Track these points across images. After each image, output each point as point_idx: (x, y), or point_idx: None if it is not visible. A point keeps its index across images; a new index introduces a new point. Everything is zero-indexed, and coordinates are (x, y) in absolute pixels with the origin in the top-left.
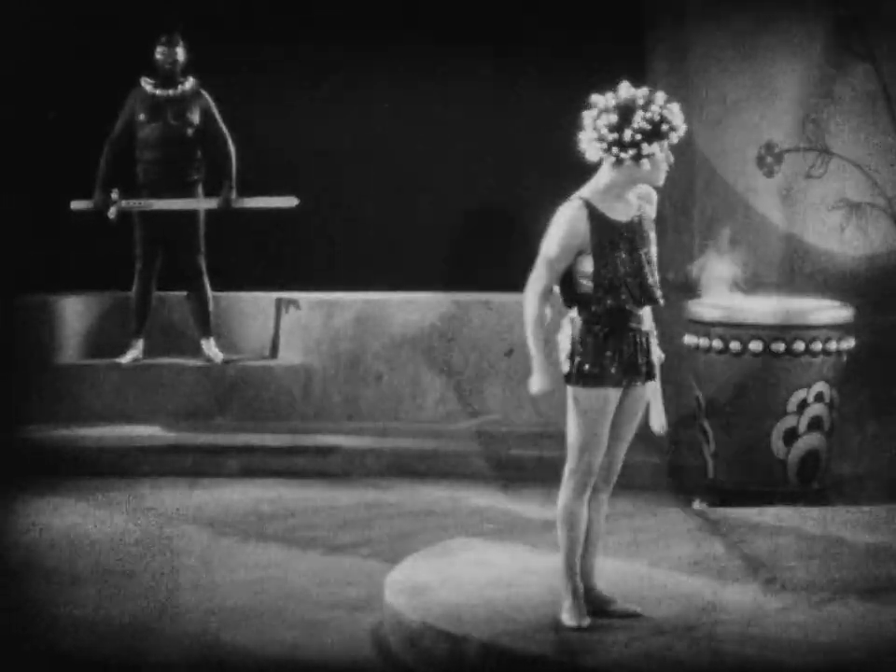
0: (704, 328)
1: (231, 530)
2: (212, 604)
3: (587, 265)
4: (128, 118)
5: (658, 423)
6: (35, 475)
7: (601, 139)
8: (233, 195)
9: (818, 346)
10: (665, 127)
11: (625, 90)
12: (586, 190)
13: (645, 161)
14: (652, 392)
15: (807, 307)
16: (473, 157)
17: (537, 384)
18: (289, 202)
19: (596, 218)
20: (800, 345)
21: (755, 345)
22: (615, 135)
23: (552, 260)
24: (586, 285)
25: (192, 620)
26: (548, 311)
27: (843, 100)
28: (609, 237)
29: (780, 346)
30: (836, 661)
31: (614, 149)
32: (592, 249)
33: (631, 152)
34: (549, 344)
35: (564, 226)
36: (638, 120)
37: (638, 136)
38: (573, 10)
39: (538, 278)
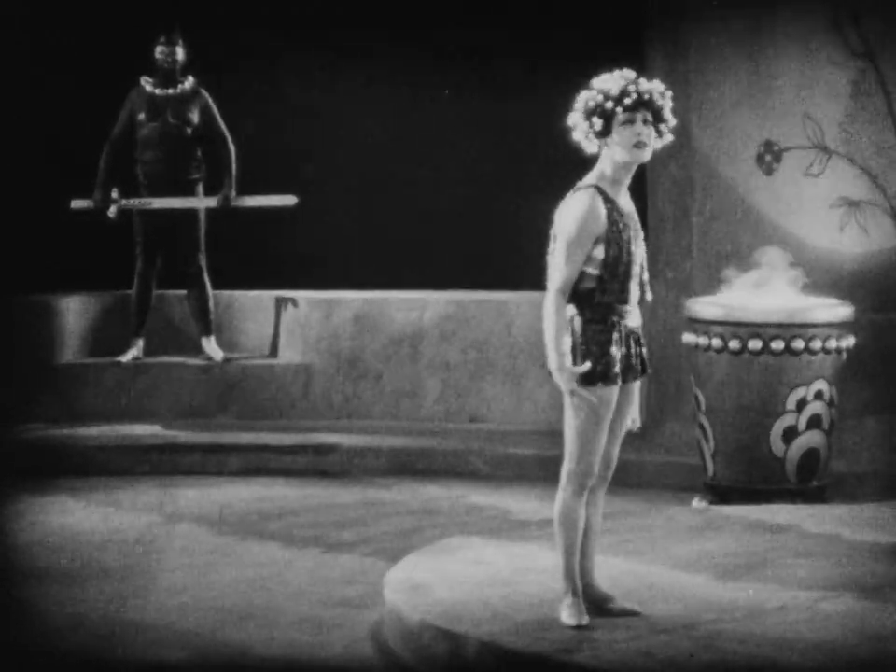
0: (703, 326)
1: (231, 529)
2: (212, 603)
3: (599, 251)
4: (128, 117)
5: (634, 420)
6: (35, 475)
7: (575, 124)
8: (233, 194)
9: (817, 344)
10: (599, 98)
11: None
12: (591, 179)
13: (612, 138)
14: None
15: (807, 305)
16: (473, 156)
17: (567, 380)
18: (289, 200)
19: (610, 202)
20: (799, 343)
21: (754, 344)
22: (580, 116)
23: (572, 249)
24: (592, 274)
25: (192, 619)
26: (569, 309)
27: (842, 98)
28: (620, 222)
29: (780, 345)
30: (836, 661)
31: (581, 128)
32: (606, 234)
33: (592, 131)
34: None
35: (583, 211)
36: (584, 99)
37: (584, 114)
38: (572, 9)
39: (557, 272)
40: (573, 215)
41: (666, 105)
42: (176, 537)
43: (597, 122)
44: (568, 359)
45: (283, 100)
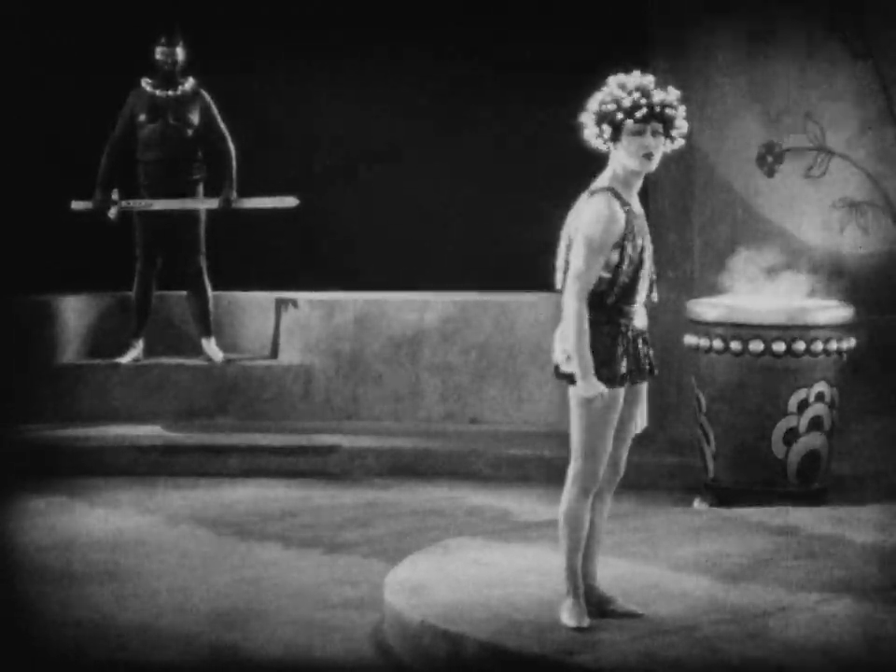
0: (704, 327)
1: (232, 530)
2: (212, 604)
3: (614, 255)
4: (128, 118)
5: (640, 422)
6: (35, 475)
7: (585, 125)
8: (233, 195)
9: (818, 346)
10: (611, 107)
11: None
12: (604, 181)
13: (620, 145)
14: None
15: (808, 307)
16: (473, 157)
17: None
18: (289, 202)
19: (626, 206)
20: (801, 345)
21: (756, 345)
22: (590, 119)
23: (595, 252)
24: (605, 277)
25: (193, 620)
26: (584, 311)
27: (843, 99)
28: (634, 226)
29: (781, 346)
30: (837, 662)
31: (591, 131)
32: (622, 238)
33: (601, 136)
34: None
35: (606, 216)
36: (597, 102)
37: (594, 119)
38: (574, 9)
39: (577, 275)
40: (596, 219)
41: (679, 113)
42: (176, 537)
43: (607, 129)
44: (566, 364)
45: (283, 100)
